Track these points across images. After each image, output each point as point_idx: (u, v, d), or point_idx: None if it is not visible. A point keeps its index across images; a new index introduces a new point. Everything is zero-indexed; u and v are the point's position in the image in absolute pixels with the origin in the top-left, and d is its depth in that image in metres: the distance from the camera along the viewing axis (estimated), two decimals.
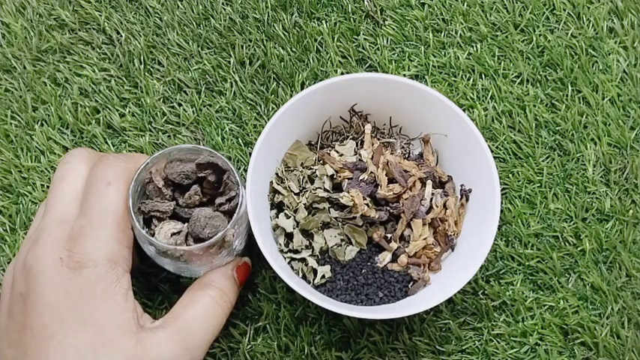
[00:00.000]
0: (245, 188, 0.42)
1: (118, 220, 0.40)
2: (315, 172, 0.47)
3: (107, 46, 0.56)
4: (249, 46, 0.55)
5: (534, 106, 0.54)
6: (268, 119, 0.47)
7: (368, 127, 0.48)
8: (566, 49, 0.55)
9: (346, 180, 0.46)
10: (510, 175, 0.52)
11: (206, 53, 0.55)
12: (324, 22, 0.56)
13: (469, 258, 0.44)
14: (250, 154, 0.45)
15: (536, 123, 0.53)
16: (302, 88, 0.53)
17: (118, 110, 0.54)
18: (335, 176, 0.46)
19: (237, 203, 0.42)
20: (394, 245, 0.46)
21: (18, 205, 0.51)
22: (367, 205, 0.45)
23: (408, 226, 0.46)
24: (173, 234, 0.42)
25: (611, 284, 0.49)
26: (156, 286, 0.49)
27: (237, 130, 0.53)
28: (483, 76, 0.55)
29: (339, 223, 0.45)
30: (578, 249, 0.50)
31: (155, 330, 0.39)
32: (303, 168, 0.48)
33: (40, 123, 0.53)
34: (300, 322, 0.48)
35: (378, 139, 0.49)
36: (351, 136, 0.50)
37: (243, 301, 0.49)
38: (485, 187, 0.45)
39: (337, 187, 0.46)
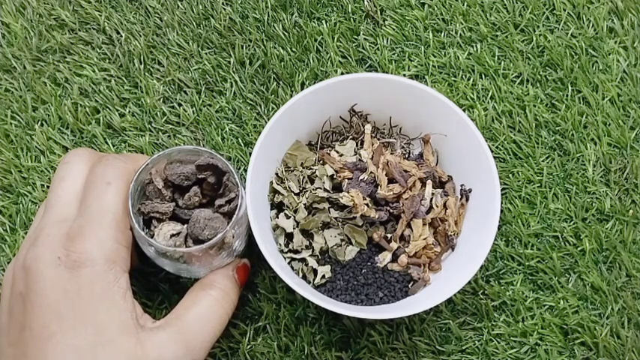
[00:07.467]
0: (245, 189, 0.42)
1: (116, 220, 0.40)
2: (315, 172, 0.47)
3: (107, 46, 0.56)
4: (249, 46, 0.55)
5: (534, 106, 0.54)
6: (268, 119, 0.47)
7: (368, 127, 0.48)
8: (566, 49, 0.55)
9: (346, 180, 0.46)
10: (510, 175, 0.52)
11: (206, 53, 0.55)
12: (324, 22, 0.56)
13: (469, 258, 0.44)
14: (250, 154, 0.45)
15: (536, 123, 0.53)
16: (302, 88, 0.53)
17: (118, 110, 0.54)
18: (335, 176, 0.46)
19: (237, 205, 0.42)
20: (394, 245, 0.46)
21: (18, 205, 0.51)
22: (367, 205, 0.45)
23: (408, 226, 0.46)
24: (172, 235, 0.42)
25: (611, 284, 0.49)
26: (156, 286, 0.49)
27: (237, 130, 0.53)
28: (483, 76, 0.55)
29: (339, 223, 0.45)
30: (578, 249, 0.50)
31: (156, 330, 0.39)
32: (303, 168, 0.48)
33: (40, 123, 0.53)
34: (300, 322, 0.48)
35: (378, 139, 0.49)
36: (351, 136, 0.49)
37: (243, 301, 0.49)
38: (486, 187, 0.45)
39: (337, 187, 0.46)
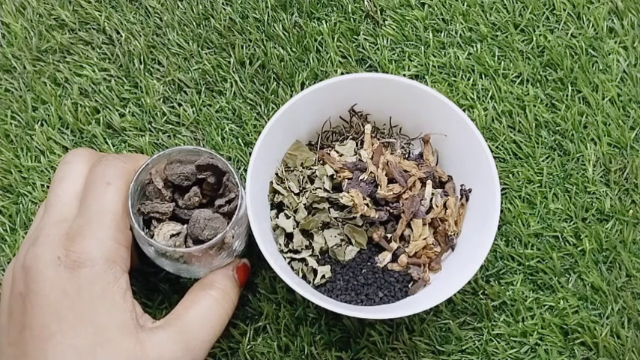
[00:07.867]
0: (245, 189, 0.42)
1: (116, 220, 0.40)
2: (315, 172, 0.47)
3: (107, 46, 0.56)
4: (249, 46, 0.55)
5: (534, 106, 0.54)
6: (268, 119, 0.47)
7: (368, 127, 0.48)
8: (566, 49, 0.55)
9: (346, 180, 0.46)
10: (510, 175, 0.52)
11: (206, 53, 0.55)
12: (324, 22, 0.56)
13: (469, 258, 0.44)
14: (250, 154, 0.45)
15: (536, 123, 0.53)
16: (302, 88, 0.53)
17: (118, 110, 0.54)
18: (335, 176, 0.46)
19: (237, 205, 0.42)
20: (394, 245, 0.46)
21: (18, 205, 0.51)
22: (367, 205, 0.45)
23: (408, 226, 0.46)
24: (172, 235, 0.42)
25: (611, 284, 0.49)
26: (156, 286, 0.49)
27: (237, 130, 0.53)
28: (483, 76, 0.55)
29: (339, 223, 0.45)
30: (578, 249, 0.50)
31: (155, 330, 0.39)
32: (303, 168, 0.48)
33: (40, 123, 0.53)
34: (300, 322, 0.48)
35: (378, 139, 0.49)
36: (351, 136, 0.49)
37: (243, 301, 0.49)
38: (486, 187, 0.45)
39: (337, 187, 0.46)
